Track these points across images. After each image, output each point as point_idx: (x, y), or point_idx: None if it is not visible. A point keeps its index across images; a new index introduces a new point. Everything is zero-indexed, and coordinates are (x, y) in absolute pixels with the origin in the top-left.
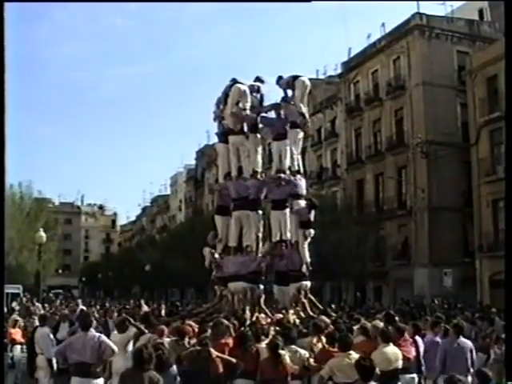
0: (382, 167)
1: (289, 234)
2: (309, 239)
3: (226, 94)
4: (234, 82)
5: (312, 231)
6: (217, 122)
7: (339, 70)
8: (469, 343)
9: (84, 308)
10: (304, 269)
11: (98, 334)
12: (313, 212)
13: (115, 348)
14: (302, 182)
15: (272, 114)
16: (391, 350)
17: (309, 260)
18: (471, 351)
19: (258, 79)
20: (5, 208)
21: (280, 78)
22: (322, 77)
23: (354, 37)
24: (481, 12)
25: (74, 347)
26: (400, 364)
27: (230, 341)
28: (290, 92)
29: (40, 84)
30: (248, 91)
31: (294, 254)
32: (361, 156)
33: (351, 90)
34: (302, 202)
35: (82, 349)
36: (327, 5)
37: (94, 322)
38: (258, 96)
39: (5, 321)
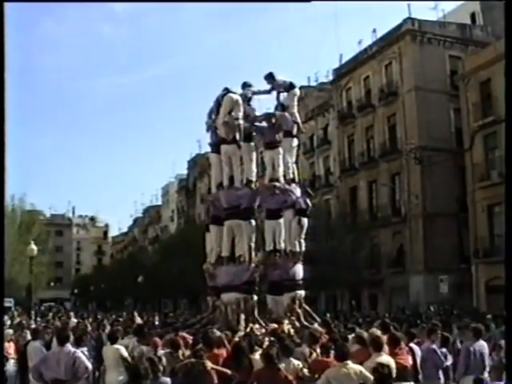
0: (375, 174)
1: (283, 244)
2: (305, 228)
3: (218, 104)
4: (227, 91)
5: (306, 220)
6: (209, 132)
7: (331, 77)
8: (485, 345)
9: (75, 320)
10: (298, 276)
11: (73, 350)
12: (308, 201)
13: (89, 365)
14: (297, 191)
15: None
16: (384, 359)
17: (304, 248)
18: (486, 353)
19: (245, 85)
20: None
21: (271, 75)
22: (313, 84)
23: (345, 43)
24: (473, 16)
25: (49, 363)
26: (394, 373)
27: (224, 352)
28: (282, 95)
29: (29, 94)
30: (241, 100)
31: (288, 263)
32: (354, 163)
33: (343, 96)
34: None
35: (56, 365)
36: (317, 11)
37: (71, 336)
38: (252, 104)
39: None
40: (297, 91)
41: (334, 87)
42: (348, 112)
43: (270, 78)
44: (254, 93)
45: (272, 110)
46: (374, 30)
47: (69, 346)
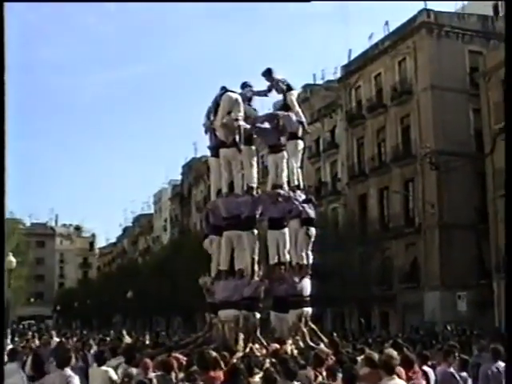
0: (386, 181)
1: (288, 256)
2: (312, 239)
3: (216, 104)
4: (225, 90)
5: (314, 230)
6: (208, 134)
7: (339, 74)
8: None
9: (57, 340)
10: (305, 292)
11: (69, 374)
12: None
13: None
14: (303, 199)
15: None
16: (395, 383)
17: (311, 260)
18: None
19: (245, 85)
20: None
21: (269, 71)
22: (319, 82)
23: (354, 37)
24: (495, 7)
25: None
26: None
27: (220, 374)
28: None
29: (10, 92)
30: (240, 100)
31: (295, 277)
32: (363, 169)
33: (352, 95)
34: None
35: None
36: (326, 3)
37: (74, 358)
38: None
39: None
40: (294, 93)
41: (342, 85)
42: (357, 113)
43: (267, 74)
44: (254, 93)
45: (271, 110)
46: (387, 23)
47: (68, 371)
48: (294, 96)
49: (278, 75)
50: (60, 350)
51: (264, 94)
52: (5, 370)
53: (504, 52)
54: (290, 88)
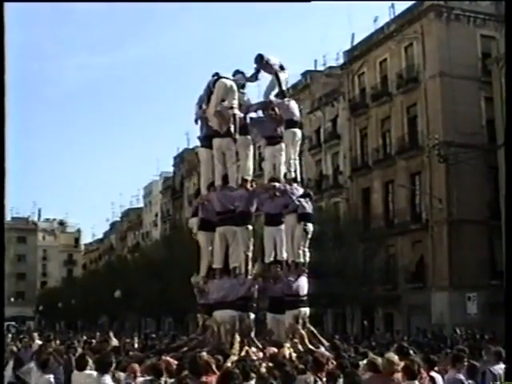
0: (391, 174)
1: (285, 254)
2: (309, 236)
3: (209, 91)
4: (218, 77)
5: (311, 226)
6: (199, 123)
7: (341, 60)
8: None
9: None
10: (302, 291)
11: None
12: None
13: None
14: (300, 193)
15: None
16: None
17: (308, 259)
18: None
19: (238, 72)
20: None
21: (261, 56)
22: (321, 68)
23: (358, 21)
24: None
25: None
26: None
27: (213, 379)
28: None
29: None
30: (235, 87)
31: (291, 276)
32: (367, 161)
33: (355, 83)
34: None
35: None
36: None
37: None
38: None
39: None
40: (284, 76)
41: (345, 72)
42: (361, 101)
43: (259, 60)
44: (247, 79)
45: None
46: (392, 6)
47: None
48: (283, 76)
49: (270, 58)
50: (41, 354)
51: (255, 77)
52: None
53: None
54: (282, 68)
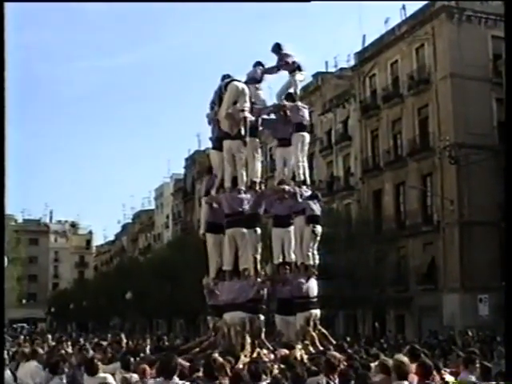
0: (403, 175)
1: (293, 256)
2: (318, 238)
3: (220, 93)
4: (229, 79)
5: (320, 228)
6: (211, 125)
7: (352, 62)
8: None
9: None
10: (312, 293)
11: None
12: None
13: None
14: (308, 195)
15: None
16: None
17: (317, 261)
18: None
19: (258, 64)
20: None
21: (278, 45)
22: (332, 70)
23: (369, 22)
24: None
25: None
26: None
27: (226, 381)
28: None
29: None
30: (247, 90)
31: (301, 277)
32: (378, 162)
33: (366, 84)
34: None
35: None
36: None
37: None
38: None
39: None
40: (300, 77)
41: (356, 74)
42: (372, 103)
43: (277, 49)
44: (265, 71)
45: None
46: (403, 7)
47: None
48: (299, 78)
49: (288, 51)
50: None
51: (277, 69)
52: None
53: None
54: (299, 68)
